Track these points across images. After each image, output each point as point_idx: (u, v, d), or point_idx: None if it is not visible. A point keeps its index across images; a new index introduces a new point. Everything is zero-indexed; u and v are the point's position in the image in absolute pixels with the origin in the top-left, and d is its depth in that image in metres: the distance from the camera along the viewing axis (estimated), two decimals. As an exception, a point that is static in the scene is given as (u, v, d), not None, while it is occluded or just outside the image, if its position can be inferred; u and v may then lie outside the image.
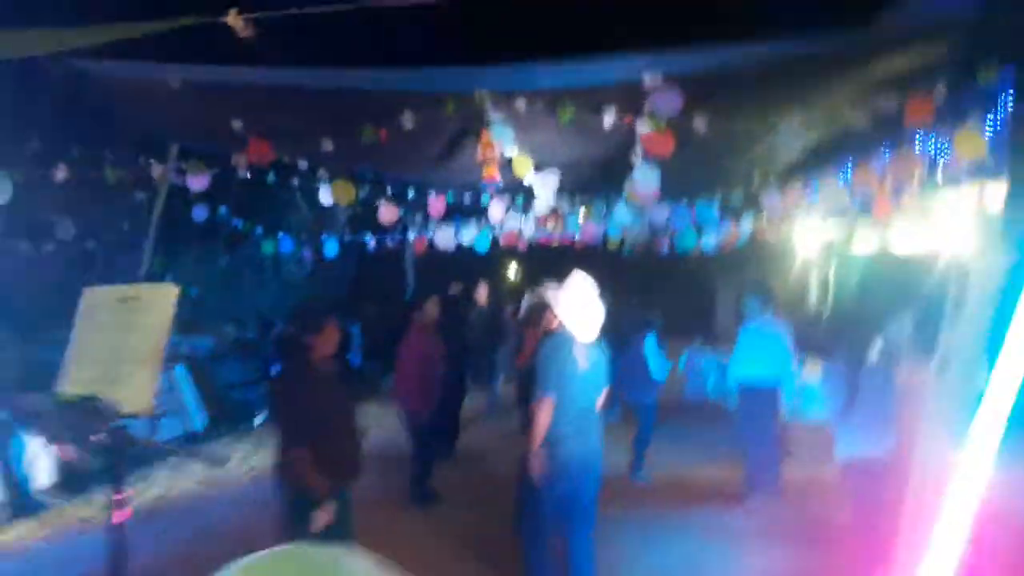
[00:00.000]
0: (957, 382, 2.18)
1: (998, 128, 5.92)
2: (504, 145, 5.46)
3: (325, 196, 7.08)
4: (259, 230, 8.97)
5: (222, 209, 8.15)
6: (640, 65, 5.12)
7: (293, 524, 3.71)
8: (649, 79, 5.05)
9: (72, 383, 2.04)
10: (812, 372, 8.12)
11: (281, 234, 9.08)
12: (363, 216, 8.69)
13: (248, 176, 6.49)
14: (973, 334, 2.16)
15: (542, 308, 4.74)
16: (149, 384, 1.99)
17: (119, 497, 2.04)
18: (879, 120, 5.68)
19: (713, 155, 7.25)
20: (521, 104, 5.22)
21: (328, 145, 5.52)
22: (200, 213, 7.44)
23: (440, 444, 8.16)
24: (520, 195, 8.66)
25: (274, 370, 11.02)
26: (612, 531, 5.89)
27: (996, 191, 7.06)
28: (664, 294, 10.18)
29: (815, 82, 5.65)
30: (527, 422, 8.59)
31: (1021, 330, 1.98)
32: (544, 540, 4.70)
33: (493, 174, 5.44)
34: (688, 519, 6.46)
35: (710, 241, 9.90)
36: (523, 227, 9.38)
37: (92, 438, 1.92)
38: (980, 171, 6.33)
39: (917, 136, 6.03)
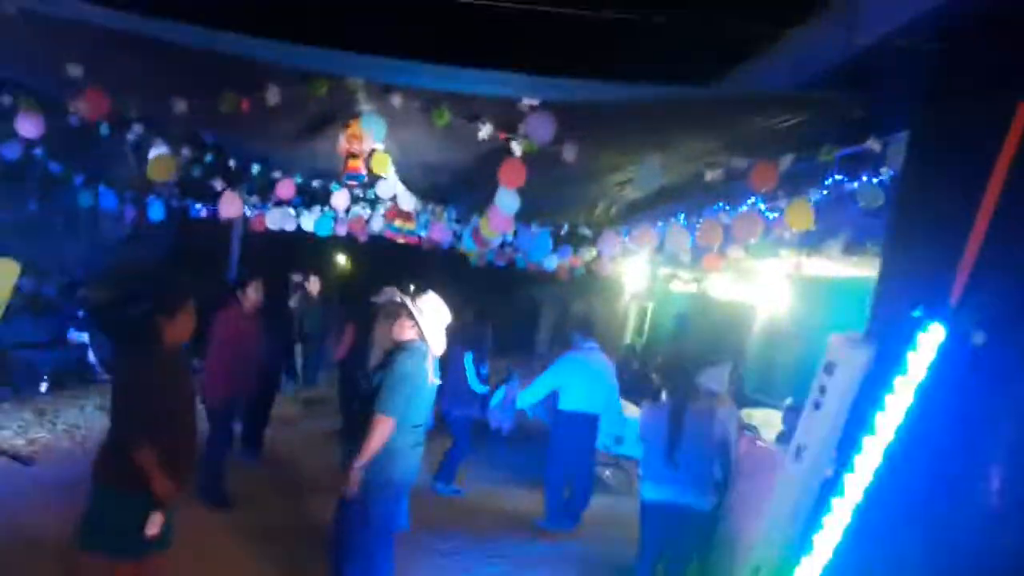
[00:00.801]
0: (808, 472, 2.29)
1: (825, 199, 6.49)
2: (373, 138, 5.27)
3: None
4: (79, 179, 8.11)
5: (37, 150, 7.28)
6: (520, 85, 5.15)
7: (113, 526, 3.33)
8: (526, 101, 5.09)
9: None
10: (628, 410, 8.45)
11: (102, 187, 8.26)
12: (196, 183, 8.07)
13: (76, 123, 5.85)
14: (830, 427, 2.28)
15: (395, 312, 4.55)
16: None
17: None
18: (729, 175, 6.05)
19: (570, 183, 7.42)
20: (397, 99, 5.08)
21: (181, 106, 5.07)
22: (11, 151, 6.60)
23: (247, 441, 7.73)
24: (371, 189, 8.43)
25: (97, 344, 10.03)
26: (414, 546, 5.82)
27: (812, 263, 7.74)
28: (498, 309, 10.27)
29: (676, 130, 5.93)
30: (347, 423, 8.32)
31: (883, 424, 2.10)
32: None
33: (358, 166, 5.25)
34: (487, 541, 6.41)
35: (550, 264, 10.10)
36: (370, 220, 9.14)
37: None
38: (803, 240, 6.93)
39: (755, 199, 6.45)
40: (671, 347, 13.08)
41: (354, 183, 6.86)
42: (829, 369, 2.36)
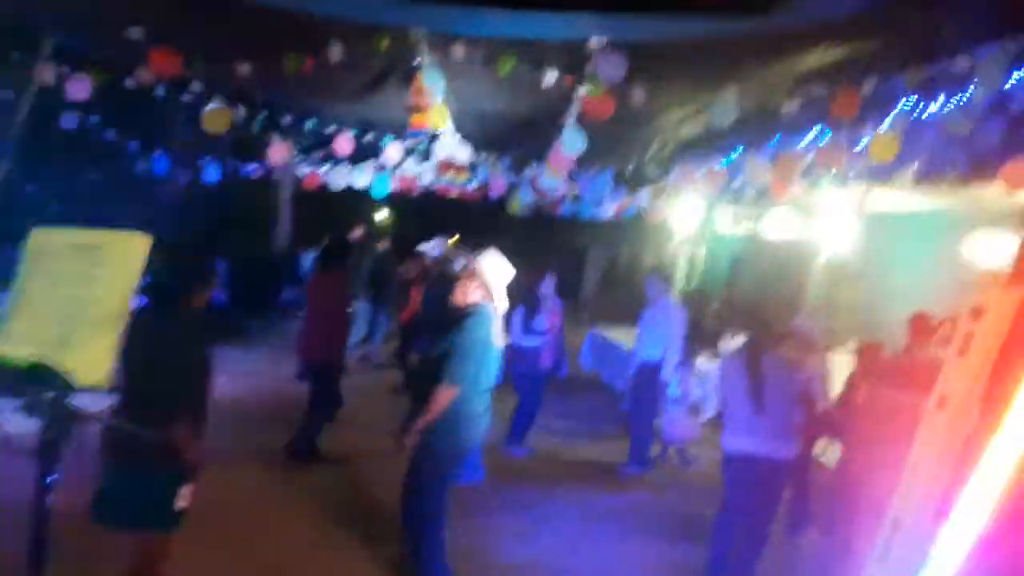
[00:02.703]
0: (951, 424, 2.17)
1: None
2: (436, 93, 5.14)
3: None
4: (133, 146, 8.09)
5: (92, 118, 7.25)
6: (586, 26, 4.96)
7: (146, 500, 3.27)
8: (595, 41, 4.91)
9: (15, 342, 1.63)
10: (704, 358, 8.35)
11: (158, 153, 8.23)
12: (249, 143, 8.00)
13: (134, 86, 5.79)
14: (975, 377, 2.15)
15: (456, 273, 4.43)
16: (107, 351, 1.63)
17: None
18: (807, 107, 5.81)
19: (626, 124, 7.22)
20: (459, 50, 4.93)
21: (244, 68, 4.97)
22: (70, 121, 6.59)
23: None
24: (424, 142, 8.31)
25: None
26: (488, 505, 5.83)
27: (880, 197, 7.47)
28: (553, 262, 10.11)
29: (747, 63, 5.69)
30: (410, 386, 8.28)
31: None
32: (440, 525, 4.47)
33: (424, 122, 5.12)
34: (566, 496, 6.41)
35: (606, 211, 9.94)
36: (422, 174, 9.02)
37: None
38: (870, 171, 6.68)
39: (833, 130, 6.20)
40: (727, 293, 12.94)
41: (420, 139, 6.74)
42: (976, 313, 2.21)
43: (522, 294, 7.48)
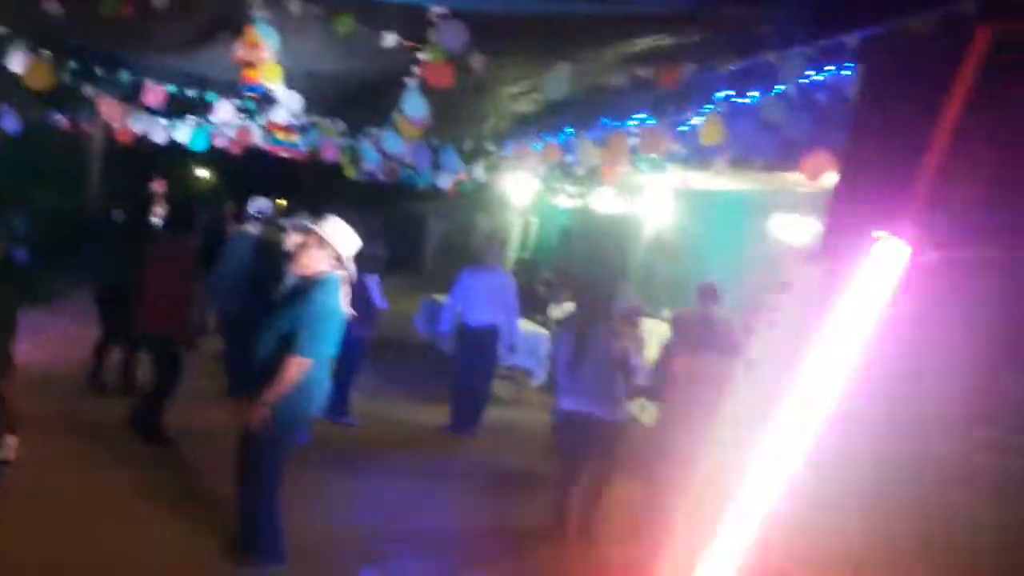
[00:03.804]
0: (759, 387, 2.40)
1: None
2: (270, 47, 4.91)
3: (16, 64, 5.86)
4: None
5: None
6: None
7: None
8: (436, 9, 4.89)
9: None
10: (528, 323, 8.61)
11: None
12: (56, 92, 7.30)
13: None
14: (783, 345, 2.38)
15: (304, 240, 4.31)
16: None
17: None
18: (634, 90, 6.10)
19: (464, 96, 7.25)
20: (295, 4, 4.74)
21: (54, 6, 4.50)
22: None
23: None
24: (251, 100, 7.92)
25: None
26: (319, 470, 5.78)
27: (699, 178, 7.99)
28: (389, 228, 10.06)
29: (580, 43, 5.87)
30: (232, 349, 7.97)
31: (831, 346, 2.22)
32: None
33: (256, 77, 4.89)
34: (398, 460, 6.48)
35: (443, 181, 9.95)
36: (251, 132, 8.59)
37: None
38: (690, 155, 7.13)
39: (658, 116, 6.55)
40: (557, 263, 13.42)
41: (254, 95, 6.41)
42: (784, 287, 2.45)
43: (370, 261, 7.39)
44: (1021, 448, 2.19)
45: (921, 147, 2.10)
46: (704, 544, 2.40)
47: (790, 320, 2.39)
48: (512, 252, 13.96)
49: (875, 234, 2.08)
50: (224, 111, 7.54)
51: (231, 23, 5.08)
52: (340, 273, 4.27)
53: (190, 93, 7.70)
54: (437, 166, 8.71)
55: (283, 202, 9.48)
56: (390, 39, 5.03)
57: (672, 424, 5.02)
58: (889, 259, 2.09)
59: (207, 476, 5.41)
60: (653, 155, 6.44)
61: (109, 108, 7.04)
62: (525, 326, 9.10)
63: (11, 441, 3.14)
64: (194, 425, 6.23)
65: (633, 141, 6.53)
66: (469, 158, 9.49)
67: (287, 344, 4.04)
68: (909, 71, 2.39)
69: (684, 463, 2.94)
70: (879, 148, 2.35)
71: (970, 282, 2.11)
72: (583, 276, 7.78)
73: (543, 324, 9.64)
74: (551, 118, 8.83)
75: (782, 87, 5.42)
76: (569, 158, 7.89)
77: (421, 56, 5.06)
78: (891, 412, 2.20)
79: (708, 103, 6.17)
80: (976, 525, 2.19)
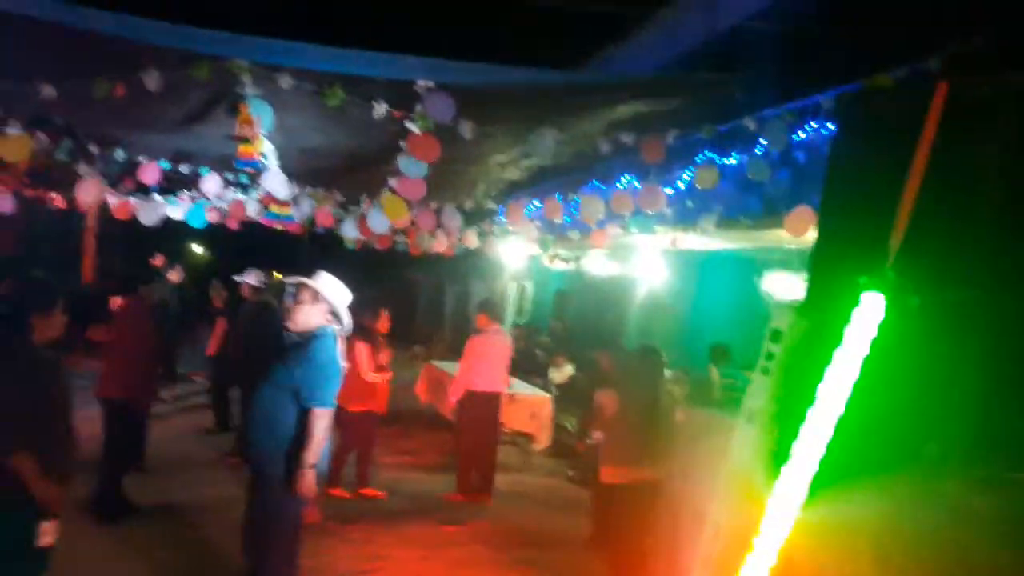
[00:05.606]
0: (761, 435, 2.41)
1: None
2: (263, 123, 5.03)
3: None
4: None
5: None
6: (410, 67, 5.10)
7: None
8: (423, 82, 5.03)
9: None
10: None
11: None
12: (49, 170, 7.43)
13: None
14: (778, 392, 2.40)
15: (301, 296, 4.33)
16: None
17: None
18: (621, 152, 6.27)
19: (455, 164, 7.38)
20: (286, 80, 4.87)
21: (48, 91, 4.62)
22: None
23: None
24: (245, 175, 8.06)
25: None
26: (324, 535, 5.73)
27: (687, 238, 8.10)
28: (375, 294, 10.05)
29: (562, 111, 6.03)
30: (223, 419, 7.98)
31: (827, 394, 2.23)
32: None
33: (252, 152, 5.00)
34: (395, 525, 6.40)
35: (440, 245, 10.00)
36: (245, 205, 8.67)
37: None
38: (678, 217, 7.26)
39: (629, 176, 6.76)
40: (554, 325, 13.43)
41: (251, 169, 6.53)
42: (775, 336, 2.49)
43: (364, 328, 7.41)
44: (1019, 483, 2.19)
45: (895, 198, 2.16)
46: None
47: (781, 369, 2.42)
48: (509, 317, 14.04)
49: (858, 281, 2.12)
50: (212, 184, 7.64)
51: (225, 100, 5.22)
52: (335, 327, 4.29)
53: (183, 169, 7.86)
54: (440, 225, 8.83)
55: (279, 275, 9.53)
56: (380, 109, 5.14)
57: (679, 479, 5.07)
58: (872, 305, 2.12)
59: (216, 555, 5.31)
60: (648, 212, 6.55)
61: (87, 187, 7.02)
62: (525, 389, 9.10)
63: (48, 527, 3.05)
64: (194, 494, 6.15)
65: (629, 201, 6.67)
66: (470, 220, 9.62)
67: (288, 398, 4.04)
68: (881, 127, 2.47)
69: (697, 516, 2.93)
70: (855, 200, 2.41)
71: (952, 323, 2.15)
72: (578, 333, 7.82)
73: (543, 387, 9.60)
74: (541, 183, 9.01)
75: (761, 148, 5.58)
76: (567, 218, 8.06)
77: (410, 126, 5.17)
78: (887, 449, 2.21)
79: (691, 165, 6.34)
80: (972, 566, 2.17)
